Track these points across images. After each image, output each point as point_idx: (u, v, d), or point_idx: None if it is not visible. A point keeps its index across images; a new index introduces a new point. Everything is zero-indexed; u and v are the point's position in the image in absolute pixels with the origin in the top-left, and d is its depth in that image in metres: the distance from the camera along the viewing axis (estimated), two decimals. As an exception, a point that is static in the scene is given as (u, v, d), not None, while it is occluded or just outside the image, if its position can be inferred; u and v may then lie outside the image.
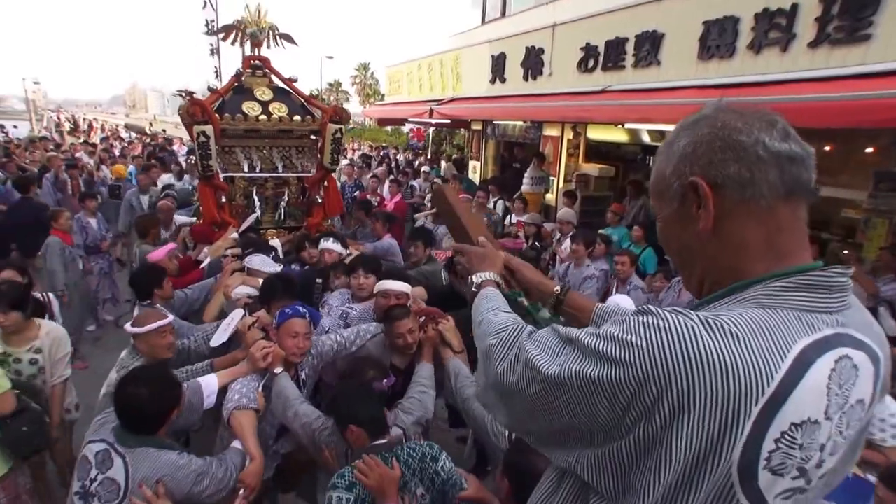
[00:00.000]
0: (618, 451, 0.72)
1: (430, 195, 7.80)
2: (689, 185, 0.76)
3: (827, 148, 5.34)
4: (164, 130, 26.88)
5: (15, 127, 22.26)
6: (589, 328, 0.78)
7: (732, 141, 0.74)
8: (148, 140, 20.72)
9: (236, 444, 2.11)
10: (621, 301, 3.60)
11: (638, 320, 0.70)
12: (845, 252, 4.75)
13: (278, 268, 3.42)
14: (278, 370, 2.30)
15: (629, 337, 0.69)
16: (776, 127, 0.74)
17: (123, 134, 25.72)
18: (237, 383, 2.26)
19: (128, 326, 2.43)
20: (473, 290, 1.16)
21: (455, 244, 1.39)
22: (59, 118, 33.32)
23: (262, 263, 3.41)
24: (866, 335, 0.72)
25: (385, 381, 2.26)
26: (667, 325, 0.67)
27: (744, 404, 0.63)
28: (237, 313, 2.73)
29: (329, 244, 3.72)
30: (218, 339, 2.64)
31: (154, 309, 2.70)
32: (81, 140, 19.51)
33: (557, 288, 1.25)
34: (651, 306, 0.73)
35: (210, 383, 2.25)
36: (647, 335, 0.68)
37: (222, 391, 2.28)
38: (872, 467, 2.38)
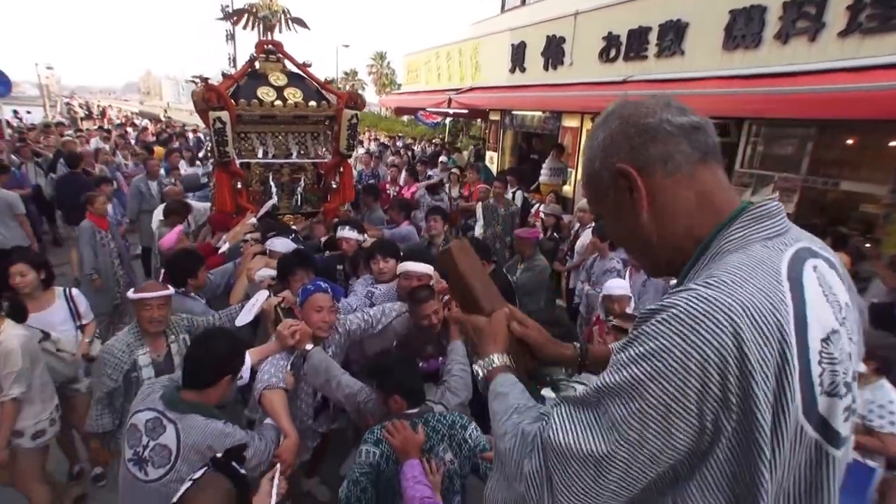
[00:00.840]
0: (715, 464, 0.69)
1: (444, 183, 7.86)
2: (618, 171, 0.84)
3: (848, 141, 5.31)
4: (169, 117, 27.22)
5: (28, 112, 22.63)
6: (607, 370, 0.74)
7: (643, 125, 0.83)
8: (163, 126, 21.02)
9: (269, 421, 2.20)
10: (612, 285, 3.67)
11: (650, 325, 0.70)
12: (867, 246, 4.74)
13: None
14: (309, 346, 2.38)
15: (655, 343, 0.68)
16: (672, 105, 0.84)
17: (137, 121, 26.10)
18: (266, 363, 2.34)
19: (130, 293, 2.62)
20: (482, 374, 1.05)
21: (460, 315, 1.28)
22: (72, 104, 33.90)
23: (283, 245, 3.53)
24: (815, 245, 0.80)
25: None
26: (678, 309, 0.67)
27: (785, 338, 0.66)
28: (261, 294, 2.84)
29: (346, 232, 3.78)
30: (243, 319, 2.76)
31: (154, 282, 2.82)
32: (96, 126, 19.87)
33: (577, 352, 1.18)
34: (651, 306, 0.74)
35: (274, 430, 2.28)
36: (670, 328, 0.67)
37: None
38: (871, 453, 2.45)
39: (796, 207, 5.38)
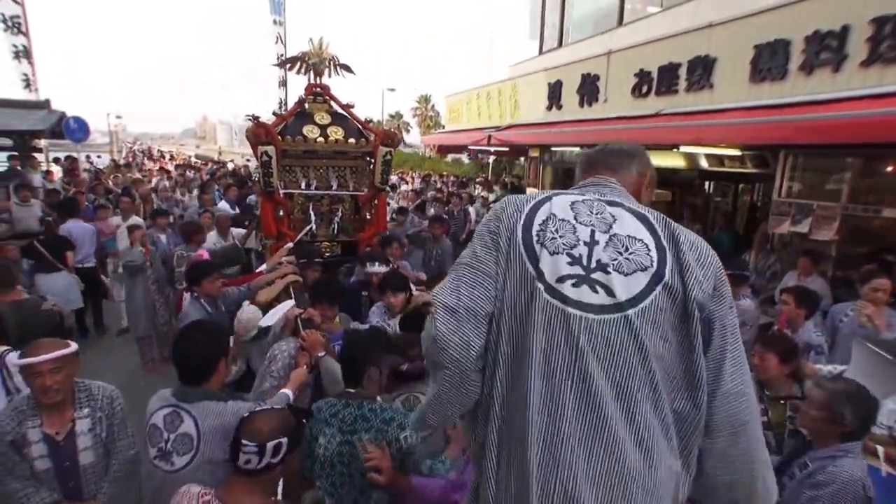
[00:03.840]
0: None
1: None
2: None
3: (889, 168, 5.42)
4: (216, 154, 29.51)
5: (98, 157, 25.32)
6: None
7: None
8: (216, 166, 22.86)
9: (285, 390, 2.46)
10: None
11: None
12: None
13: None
14: (321, 353, 2.74)
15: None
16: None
17: (194, 161, 28.54)
18: (279, 362, 2.77)
19: (12, 357, 2.39)
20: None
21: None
22: (135, 150, 37.47)
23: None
24: (609, 198, 1.29)
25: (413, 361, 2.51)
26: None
27: (521, 209, 1.24)
28: (287, 302, 3.23)
29: (375, 268, 4.18)
30: (267, 321, 3.12)
31: (49, 340, 2.23)
32: (157, 167, 21.96)
33: None
34: None
35: (285, 396, 2.49)
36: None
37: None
38: None
39: (837, 234, 5.46)
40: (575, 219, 1.19)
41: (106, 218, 7.17)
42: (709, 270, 1.16)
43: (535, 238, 1.19)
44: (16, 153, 9.96)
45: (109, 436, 2.25)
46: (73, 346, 2.17)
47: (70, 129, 10.57)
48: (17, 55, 11.96)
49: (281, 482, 1.86)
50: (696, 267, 1.15)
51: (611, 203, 1.25)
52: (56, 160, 13.84)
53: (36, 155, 10.67)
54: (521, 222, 1.21)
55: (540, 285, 1.14)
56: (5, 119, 9.03)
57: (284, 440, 1.66)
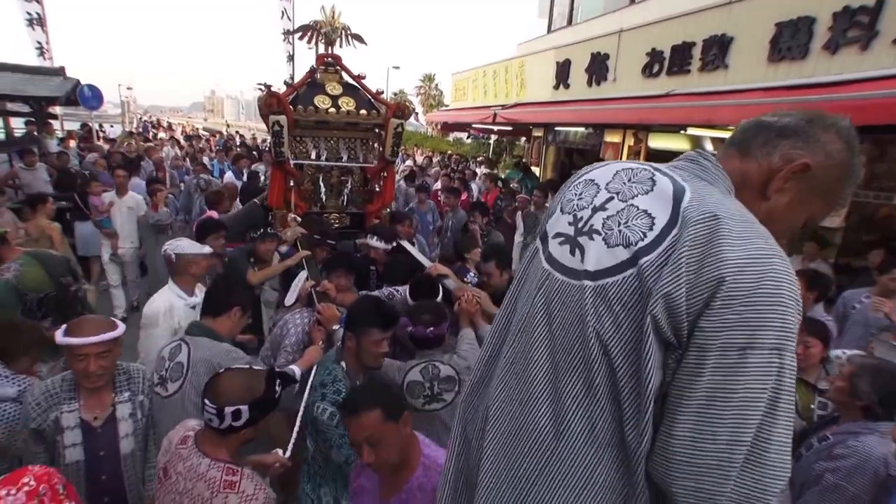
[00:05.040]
0: None
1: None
2: None
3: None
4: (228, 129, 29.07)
5: (111, 126, 24.94)
6: None
7: None
8: (225, 138, 22.51)
9: (293, 367, 2.31)
10: None
11: None
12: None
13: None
14: (336, 326, 2.60)
15: None
16: None
17: (202, 134, 28.16)
18: (293, 336, 2.66)
19: (59, 334, 1.84)
20: None
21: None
22: (147, 120, 36.81)
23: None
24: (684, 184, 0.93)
25: (436, 328, 2.38)
26: None
27: (579, 179, 1.08)
28: (301, 275, 3.14)
29: (374, 242, 3.91)
30: (290, 300, 3.01)
31: (96, 318, 2.04)
32: (168, 137, 21.58)
33: None
34: None
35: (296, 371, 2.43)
36: None
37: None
38: None
39: (844, 221, 5.27)
40: (606, 185, 1.00)
41: (99, 193, 6.06)
42: (710, 276, 0.79)
43: (560, 200, 1.07)
44: (33, 119, 9.64)
45: (150, 421, 2.05)
46: (121, 326, 1.91)
47: (84, 96, 10.21)
48: (31, 23, 11.51)
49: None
50: (688, 263, 0.81)
51: (672, 180, 0.93)
52: (70, 133, 13.52)
53: (51, 122, 10.33)
54: (564, 187, 1.10)
55: (540, 245, 1.05)
56: (22, 85, 8.69)
57: (245, 408, 1.54)
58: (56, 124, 12.24)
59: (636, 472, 0.86)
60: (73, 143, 11.33)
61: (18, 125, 10.89)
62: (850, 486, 1.81)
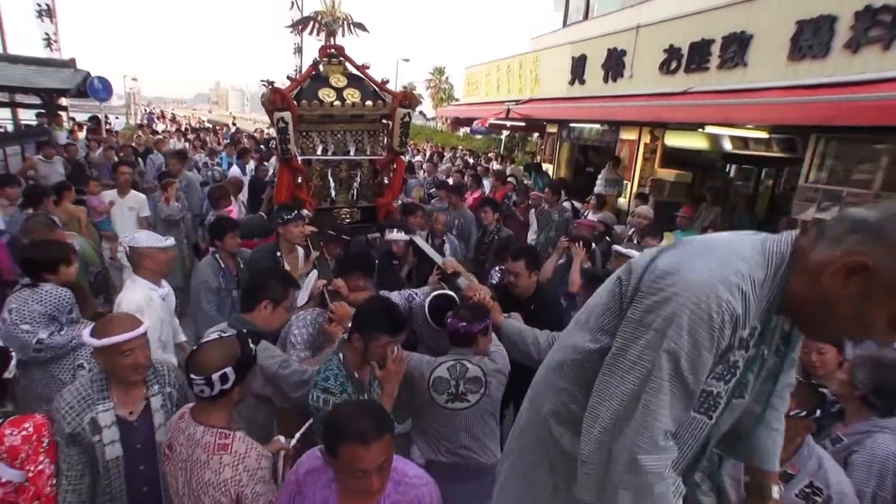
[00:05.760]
0: None
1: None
2: None
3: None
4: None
5: (117, 118, 25.36)
6: None
7: None
8: (232, 131, 22.70)
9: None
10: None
11: None
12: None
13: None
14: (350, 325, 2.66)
15: None
16: None
17: (208, 126, 28.35)
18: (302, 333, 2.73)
19: (88, 336, 1.93)
20: None
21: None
22: (152, 112, 37.15)
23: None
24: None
25: (468, 324, 2.40)
26: None
27: None
28: (312, 275, 3.18)
29: (394, 235, 4.02)
30: (302, 300, 3.03)
31: (122, 315, 2.21)
32: (174, 129, 21.79)
33: None
34: None
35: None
36: None
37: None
38: None
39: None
40: None
41: (98, 192, 5.67)
42: (638, 273, 1.19)
43: None
44: (43, 111, 9.87)
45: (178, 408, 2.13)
46: (146, 319, 2.06)
47: (94, 88, 10.43)
48: (40, 14, 11.74)
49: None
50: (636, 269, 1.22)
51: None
52: (79, 124, 13.80)
53: (61, 113, 10.56)
54: None
55: None
56: (34, 77, 8.89)
57: (229, 370, 1.70)
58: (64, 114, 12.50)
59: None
60: (81, 135, 11.57)
61: (25, 117, 11.15)
62: (882, 492, 1.91)
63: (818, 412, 1.85)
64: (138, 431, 1.98)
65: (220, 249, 3.60)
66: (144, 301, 2.77)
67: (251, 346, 1.84)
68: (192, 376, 1.68)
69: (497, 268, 3.94)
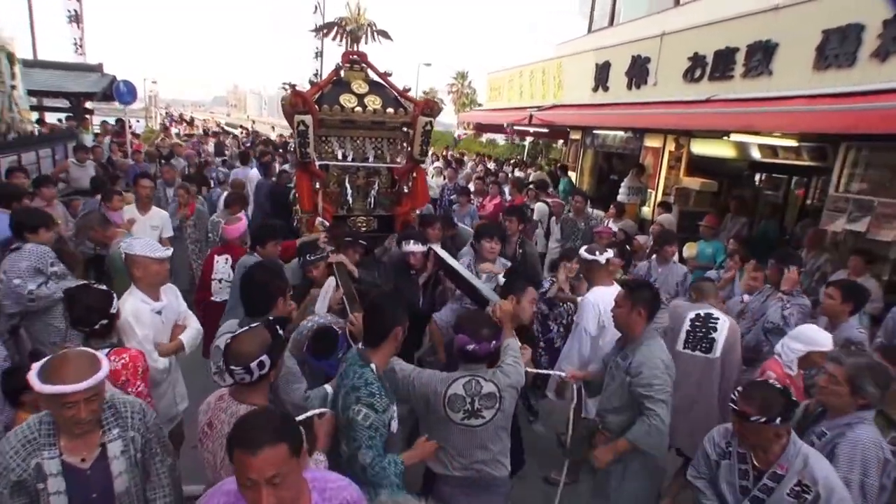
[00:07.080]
0: None
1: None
2: None
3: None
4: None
5: (137, 122, 26.43)
6: None
7: None
8: (251, 137, 23.38)
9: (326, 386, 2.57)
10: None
11: None
12: None
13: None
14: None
15: None
16: None
17: (227, 129, 29.28)
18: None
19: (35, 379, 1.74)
20: None
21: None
22: (171, 115, 38.44)
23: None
24: None
25: (492, 343, 2.51)
26: None
27: None
28: (329, 282, 3.31)
29: (411, 246, 4.05)
30: (321, 309, 3.17)
31: (78, 352, 1.96)
32: (193, 132, 22.64)
33: None
34: None
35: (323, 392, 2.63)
36: None
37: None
38: None
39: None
40: None
41: (119, 208, 4.99)
42: None
43: None
44: (71, 114, 10.48)
45: (146, 453, 1.99)
46: (105, 364, 1.82)
47: (120, 92, 11.00)
48: (70, 19, 12.49)
49: None
50: None
51: None
52: (105, 127, 14.53)
53: (87, 117, 11.19)
54: None
55: None
56: (62, 81, 9.50)
57: (265, 357, 1.90)
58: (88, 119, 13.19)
59: None
60: (106, 139, 12.21)
61: (50, 120, 11.82)
62: (869, 479, 2.11)
63: (778, 420, 1.97)
64: (92, 480, 1.82)
65: (260, 255, 3.77)
66: (132, 313, 2.76)
67: (279, 331, 2.08)
68: (233, 367, 1.87)
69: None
